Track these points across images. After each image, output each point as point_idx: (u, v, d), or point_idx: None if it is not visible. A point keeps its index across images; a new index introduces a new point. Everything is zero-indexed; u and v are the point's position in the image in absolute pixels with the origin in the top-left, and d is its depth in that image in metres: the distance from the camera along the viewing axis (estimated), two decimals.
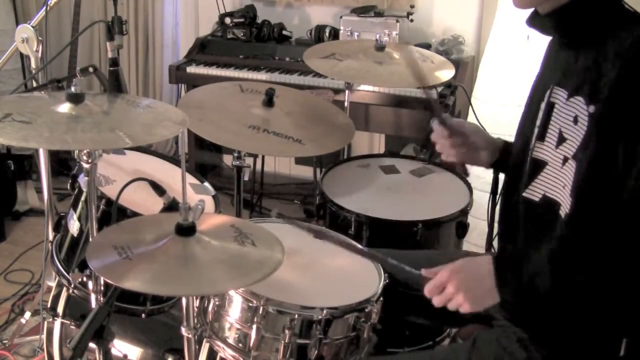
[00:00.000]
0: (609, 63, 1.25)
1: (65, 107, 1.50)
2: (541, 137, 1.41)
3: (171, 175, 1.92)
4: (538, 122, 1.43)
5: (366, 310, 1.50)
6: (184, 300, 1.51)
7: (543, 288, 1.30)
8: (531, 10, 1.42)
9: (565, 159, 1.34)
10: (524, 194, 1.44)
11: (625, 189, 1.23)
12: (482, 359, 1.44)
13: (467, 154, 1.68)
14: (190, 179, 2.01)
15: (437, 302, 1.39)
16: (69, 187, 1.92)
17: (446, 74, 2.38)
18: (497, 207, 1.64)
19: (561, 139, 1.35)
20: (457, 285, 1.36)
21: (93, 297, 1.68)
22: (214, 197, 1.95)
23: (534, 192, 1.42)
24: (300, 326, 1.44)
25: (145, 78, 4.18)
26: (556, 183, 1.37)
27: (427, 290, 1.40)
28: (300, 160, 3.98)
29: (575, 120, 1.31)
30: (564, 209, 1.33)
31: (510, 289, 1.34)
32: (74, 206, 1.87)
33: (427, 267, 1.65)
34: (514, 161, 1.53)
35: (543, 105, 1.42)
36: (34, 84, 2.12)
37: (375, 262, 1.62)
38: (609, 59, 1.25)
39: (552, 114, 1.39)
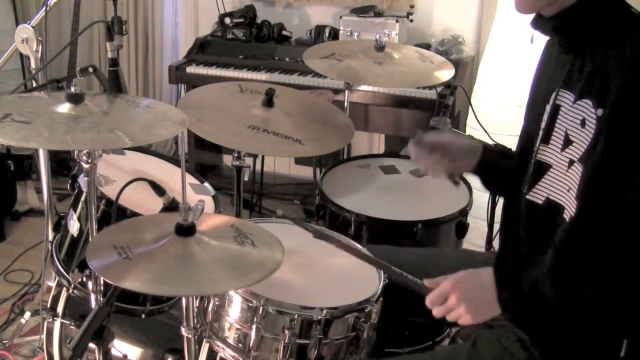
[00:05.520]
0: (617, 66, 1.24)
1: (64, 107, 1.50)
2: (546, 139, 1.40)
3: (171, 176, 1.92)
4: (543, 125, 1.41)
5: (366, 310, 1.49)
6: (183, 301, 1.51)
7: (545, 293, 1.29)
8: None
9: (571, 162, 1.32)
10: (527, 197, 1.43)
11: (631, 191, 1.22)
12: (482, 359, 1.44)
13: (450, 164, 1.67)
14: (190, 179, 2.01)
15: (437, 312, 1.38)
16: (68, 187, 1.92)
17: (446, 74, 2.38)
18: (499, 209, 1.63)
19: (567, 142, 1.34)
20: (459, 297, 1.34)
21: (93, 297, 1.68)
22: (213, 197, 1.95)
23: (537, 195, 1.41)
24: (300, 326, 1.44)
25: (145, 78, 4.17)
26: (560, 186, 1.36)
27: (429, 301, 1.39)
28: (300, 161, 3.98)
29: (583, 123, 1.29)
30: (569, 213, 1.32)
31: (510, 292, 1.33)
32: (74, 206, 1.87)
33: (427, 266, 1.64)
34: (517, 163, 1.52)
35: (548, 108, 1.40)
36: (34, 84, 2.12)
37: (378, 269, 1.61)
38: (617, 62, 1.24)
39: (557, 116, 1.37)
